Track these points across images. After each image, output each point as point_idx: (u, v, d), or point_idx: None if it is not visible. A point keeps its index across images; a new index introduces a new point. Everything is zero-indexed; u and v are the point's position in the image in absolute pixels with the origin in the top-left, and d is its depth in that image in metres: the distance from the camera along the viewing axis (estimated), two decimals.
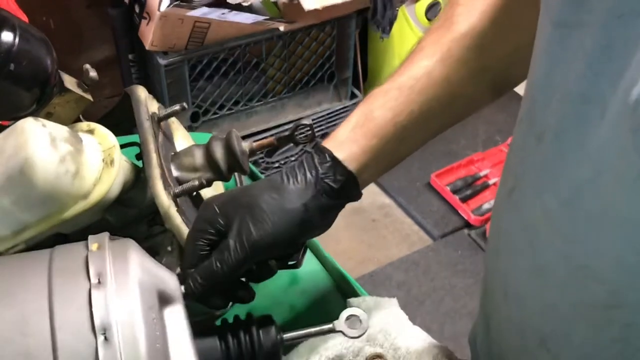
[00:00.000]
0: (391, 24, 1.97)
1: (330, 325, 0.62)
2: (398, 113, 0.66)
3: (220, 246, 0.61)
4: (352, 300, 0.77)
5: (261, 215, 0.61)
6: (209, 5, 1.69)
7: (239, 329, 0.61)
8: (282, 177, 0.63)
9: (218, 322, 0.63)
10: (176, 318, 0.54)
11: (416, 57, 0.68)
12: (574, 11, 0.45)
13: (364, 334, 0.62)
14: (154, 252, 0.67)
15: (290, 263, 0.67)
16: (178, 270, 0.64)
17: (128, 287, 0.49)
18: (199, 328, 0.59)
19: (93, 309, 0.47)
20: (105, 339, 0.46)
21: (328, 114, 2.05)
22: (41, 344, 0.47)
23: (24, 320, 0.48)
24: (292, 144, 0.70)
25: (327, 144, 0.65)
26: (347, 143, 0.65)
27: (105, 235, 0.54)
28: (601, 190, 0.44)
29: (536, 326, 0.54)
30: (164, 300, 0.53)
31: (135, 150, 0.70)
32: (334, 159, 0.64)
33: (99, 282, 0.49)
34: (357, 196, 0.67)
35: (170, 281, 0.55)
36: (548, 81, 0.49)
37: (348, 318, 0.62)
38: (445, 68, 0.66)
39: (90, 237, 0.54)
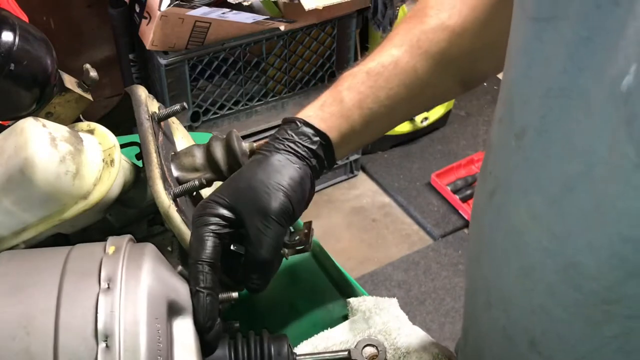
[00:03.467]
0: (392, 23, 1.97)
1: (345, 353, 0.62)
2: (364, 97, 0.68)
3: (248, 235, 0.61)
4: (352, 300, 0.77)
5: (267, 187, 0.61)
6: (209, 4, 1.69)
7: (251, 342, 0.60)
8: (264, 153, 0.64)
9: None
10: (185, 330, 0.53)
11: (386, 45, 0.70)
12: (551, 4, 0.45)
13: None
14: None
15: (298, 248, 0.68)
16: (179, 268, 0.64)
17: (136, 296, 0.49)
18: (210, 339, 0.58)
19: (98, 315, 0.47)
20: (107, 346, 0.46)
21: None
22: (43, 344, 0.46)
23: (30, 318, 0.47)
24: None
25: (296, 116, 0.67)
26: (315, 119, 0.66)
27: (126, 238, 0.54)
28: (594, 185, 0.43)
29: (525, 330, 0.53)
30: (174, 311, 0.53)
31: (135, 150, 0.70)
32: (305, 123, 0.65)
33: (108, 288, 0.48)
34: (333, 161, 0.68)
35: (182, 291, 0.54)
36: (527, 78, 0.49)
37: (365, 346, 0.62)
38: (413, 58, 0.68)
39: (110, 238, 0.54)
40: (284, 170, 0.63)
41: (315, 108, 0.68)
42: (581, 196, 0.44)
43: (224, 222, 0.61)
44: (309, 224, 0.70)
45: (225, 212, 0.61)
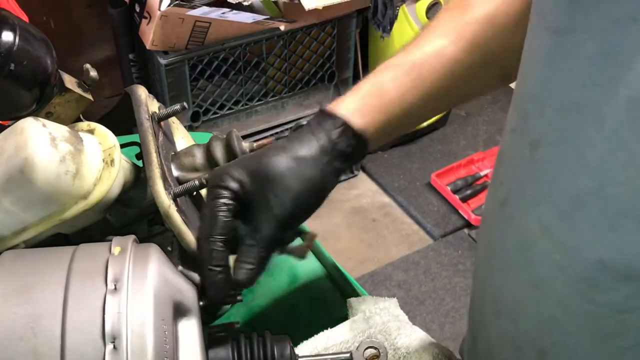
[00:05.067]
0: (392, 23, 1.97)
1: (347, 355, 0.62)
2: (407, 90, 0.65)
3: (252, 222, 0.59)
4: (352, 300, 0.77)
5: (286, 187, 0.59)
6: (209, 4, 1.70)
7: (254, 343, 0.60)
8: (294, 144, 0.62)
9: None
10: (190, 331, 0.53)
11: (430, 35, 0.68)
12: (570, 17, 0.44)
13: None
14: None
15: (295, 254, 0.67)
16: (179, 268, 0.64)
17: (143, 297, 0.49)
18: (213, 340, 0.58)
19: (105, 316, 0.47)
20: (114, 347, 0.46)
21: None
22: (50, 345, 0.46)
23: (37, 318, 0.47)
24: None
25: (337, 109, 0.64)
26: (356, 114, 0.63)
27: (130, 239, 0.54)
28: (606, 203, 0.43)
29: (533, 340, 0.53)
30: (180, 312, 0.53)
31: (135, 150, 0.70)
32: (344, 122, 0.63)
33: (115, 289, 0.48)
34: (362, 158, 0.66)
35: (188, 293, 0.54)
36: (543, 89, 0.48)
37: (367, 349, 0.62)
38: (457, 50, 0.66)
39: (114, 239, 0.54)
40: (309, 173, 0.60)
41: (357, 99, 0.64)
42: (593, 213, 0.44)
43: (235, 199, 0.59)
44: (312, 236, 0.69)
45: (238, 188, 0.59)
